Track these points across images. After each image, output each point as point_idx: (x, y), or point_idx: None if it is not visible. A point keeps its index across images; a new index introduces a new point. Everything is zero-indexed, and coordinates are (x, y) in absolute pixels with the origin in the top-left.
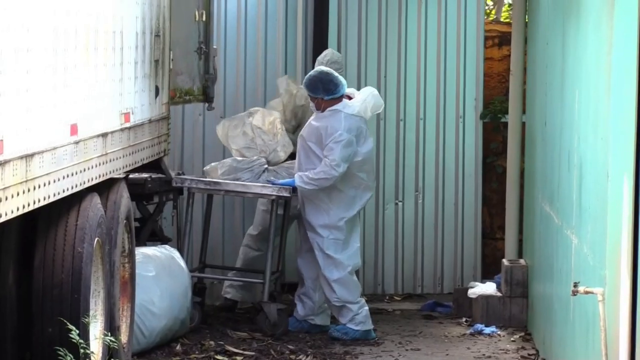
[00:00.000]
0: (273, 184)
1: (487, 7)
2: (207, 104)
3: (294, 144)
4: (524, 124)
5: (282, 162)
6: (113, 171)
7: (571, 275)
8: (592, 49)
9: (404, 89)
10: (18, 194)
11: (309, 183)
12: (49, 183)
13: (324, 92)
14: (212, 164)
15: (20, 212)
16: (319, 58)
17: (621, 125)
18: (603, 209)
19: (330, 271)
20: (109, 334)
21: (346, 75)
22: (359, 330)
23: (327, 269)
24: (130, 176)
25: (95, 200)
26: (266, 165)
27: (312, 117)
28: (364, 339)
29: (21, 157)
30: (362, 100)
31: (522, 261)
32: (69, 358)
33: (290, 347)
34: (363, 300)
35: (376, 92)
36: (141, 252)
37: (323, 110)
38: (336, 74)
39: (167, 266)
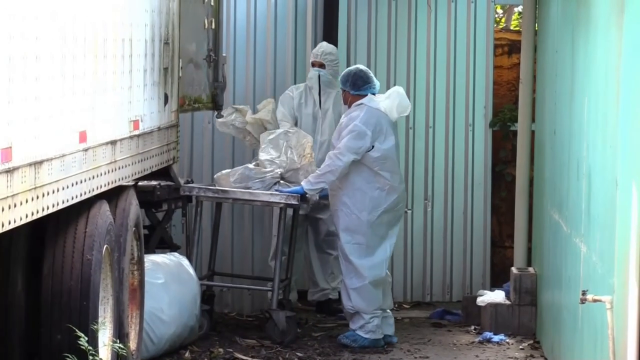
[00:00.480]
0: (281, 192)
1: (496, 15)
2: (216, 112)
3: None
4: (533, 132)
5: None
6: (122, 179)
7: (580, 284)
8: (601, 58)
9: (413, 97)
10: (27, 201)
11: (316, 183)
12: (58, 190)
13: (352, 86)
14: (224, 171)
15: (29, 219)
16: (314, 50)
17: (630, 133)
18: (612, 217)
19: (350, 278)
20: (118, 341)
21: None
22: (368, 338)
23: (347, 276)
24: (139, 184)
25: (104, 207)
26: (278, 179)
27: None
28: (372, 346)
29: (30, 164)
30: (386, 96)
31: (531, 269)
32: None
33: (299, 354)
34: (379, 312)
35: (402, 91)
36: (150, 259)
37: (349, 106)
38: (370, 74)
39: (176, 273)
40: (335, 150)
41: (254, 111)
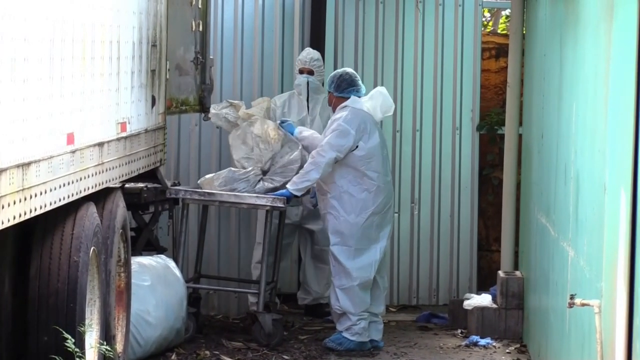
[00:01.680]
0: (267, 195)
1: (484, 19)
2: (203, 114)
3: None
4: (520, 136)
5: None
6: (109, 180)
7: (567, 288)
8: (590, 61)
9: (400, 100)
10: (14, 203)
11: (300, 182)
12: (45, 192)
13: (336, 88)
14: (207, 176)
15: (17, 220)
16: (301, 57)
17: (618, 137)
18: (600, 221)
19: (339, 279)
20: (105, 343)
21: None
22: (354, 340)
23: (336, 276)
24: (126, 186)
25: (92, 209)
26: (261, 175)
27: None
28: (358, 349)
29: (17, 166)
30: (369, 97)
31: (518, 273)
32: None
33: (285, 357)
34: (366, 315)
35: (385, 91)
36: (137, 261)
37: (334, 108)
38: (356, 77)
39: (163, 276)
40: (318, 148)
41: (248, 107)
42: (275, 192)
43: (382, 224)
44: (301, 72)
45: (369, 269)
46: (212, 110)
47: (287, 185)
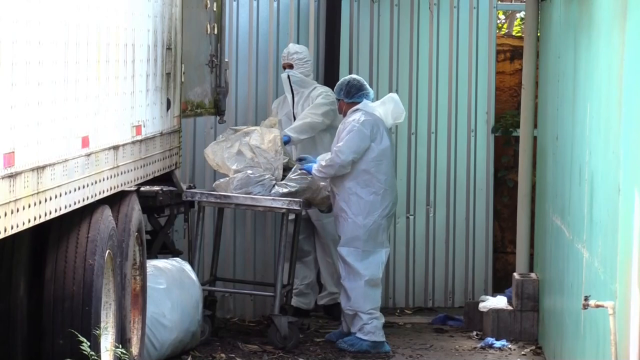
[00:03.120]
0: (301, 168)
1: (498, 21)
2: (218, 117)
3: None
4: (535, 138)
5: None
6: (124, 184)
7: (582, 289)
8: (603, 63)
9: (415, 103)
10: (29, 206)
11: (319, 171)
12: (60, 195)
13: (345, 94)
14: (221, 179)
15: (32, 224)
16: (282, 53)
17: (632, 139)
18: (614, 222)
19: (348, 280)
20: (120, 346)
21: None
22: (367, 340)
23: (346, 278)
24: (142, 189)
25: (107, 212)
26: (275, 181)
27: None
28: (373, 351)
29: (32, 169)
30: (381, 102)
31: (533, 275)
32: None
33: (301, 359)
34: (377, 314)
35: (397, 97)
36: (152, 264)
37: (345, 115)
38: (364, 82)
39: (178, 279)
40: (335, 148)
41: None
42: (305, 166)
43: (388, 227)
44: (283, 67)
45: (377, 269)
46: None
47: (313, 169)
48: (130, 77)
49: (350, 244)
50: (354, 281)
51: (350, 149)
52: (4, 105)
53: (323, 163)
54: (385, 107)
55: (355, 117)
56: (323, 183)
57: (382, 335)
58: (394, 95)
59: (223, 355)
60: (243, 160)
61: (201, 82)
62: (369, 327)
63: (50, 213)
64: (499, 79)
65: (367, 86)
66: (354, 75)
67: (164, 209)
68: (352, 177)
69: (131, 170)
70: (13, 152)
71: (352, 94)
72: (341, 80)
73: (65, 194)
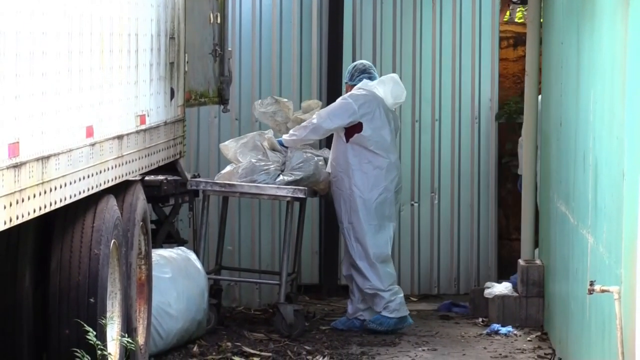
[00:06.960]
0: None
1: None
2: (222, 106)
3: None
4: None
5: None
6: (129, 173)
7: (587, 275)
8: (607, 49)
9: (419, 90)
10: (34, 196)
11: (291, 134)
12: (65, 185)
13: (350, 77)
14: (227, 168)
15: (37, 214)
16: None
17: (636, 124)
18: (619, 208)
19: (360, 259)
20: (126, 336)
21: None
22: (394, 318)
23: (357, 257)
24: (146, 178)
25: (112, 202)
26: (281, 170)
27: None
28: (399, 327)
29: (37, 159)
30: (379, 82)
31: (538, 261)
32: (86, 359)
33: (307, 347)
34: (396, 288)
35: (397, 78)
36: (158, 254)
37: None
38: (370, 66)
39: (184, 268)
40: (316, 114)
41: (297, 106)
42: (279, 139)
43: (394, 202)
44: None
45: (386, 245)
46: (258, 109)
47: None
48: (134, 67)
49: (356, 220)
50: (365, 259)
51: (329, 115)
52: (9, 95)
53: (295, 127)
54: (385, 87)
55: (349, 93)
56: (327, 171)
57: (405, 310)
58: (394, 75)
59: (229, 344)
60: (257, 154)
61: (205, 71)
62: (394, 304)
63: (55, 203)
64: (502, 66)
65: (373, 70)
66: (362, 61)
67: (169, 198)
68: (354, 155)
69: (136, 160)
70: (18, 142)
71: (355, 77)
72: (351, 64)
73: (70, 183)
